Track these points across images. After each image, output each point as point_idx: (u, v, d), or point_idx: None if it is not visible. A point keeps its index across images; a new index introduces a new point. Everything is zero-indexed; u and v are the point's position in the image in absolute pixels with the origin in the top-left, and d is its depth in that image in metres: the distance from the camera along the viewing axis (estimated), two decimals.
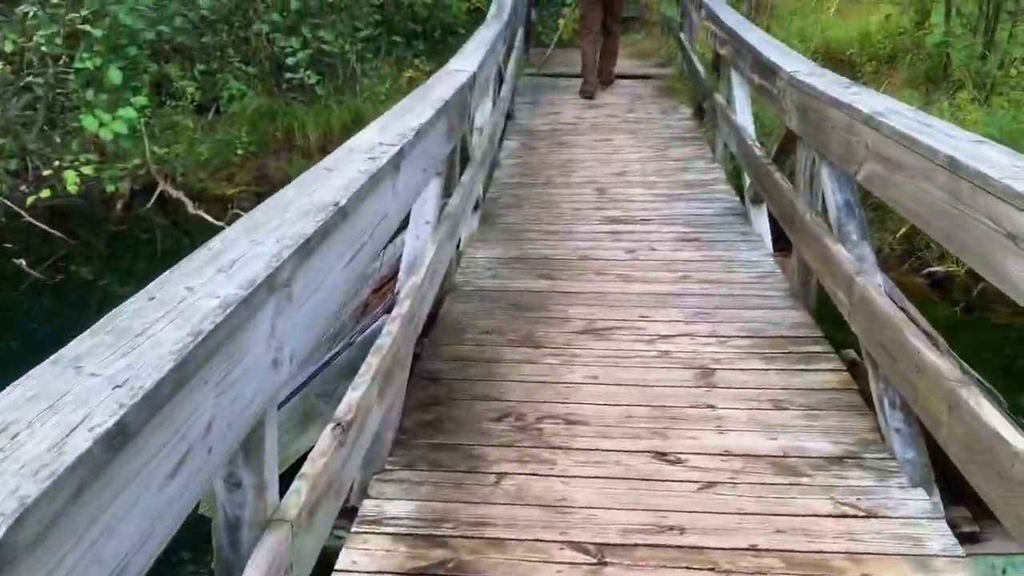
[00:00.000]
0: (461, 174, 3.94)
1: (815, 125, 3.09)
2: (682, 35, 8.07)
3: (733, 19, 5.48)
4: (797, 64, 3.50)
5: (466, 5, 10.00)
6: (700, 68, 6.79)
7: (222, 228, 4.76)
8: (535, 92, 8.13)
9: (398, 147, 2.14)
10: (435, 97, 2.89)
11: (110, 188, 6.07)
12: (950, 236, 1.99)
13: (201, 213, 5.82)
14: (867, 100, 2.65)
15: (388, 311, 2.43)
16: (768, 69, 3.80)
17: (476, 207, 4.72)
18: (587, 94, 7.78)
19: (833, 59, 8.37)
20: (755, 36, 4.53)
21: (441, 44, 9.60)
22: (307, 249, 1.41)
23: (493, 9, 6.54)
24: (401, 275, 2.86)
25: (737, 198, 4.99)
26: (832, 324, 3.20)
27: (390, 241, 2.60)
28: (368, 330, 2.77)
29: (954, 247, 1.99)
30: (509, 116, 6.98)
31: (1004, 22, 5.68)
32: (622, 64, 8.85)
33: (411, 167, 2.32)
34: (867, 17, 8.24)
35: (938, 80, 5.90)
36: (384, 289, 3.27)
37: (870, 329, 2.48)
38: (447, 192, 3.53)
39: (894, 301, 2.78)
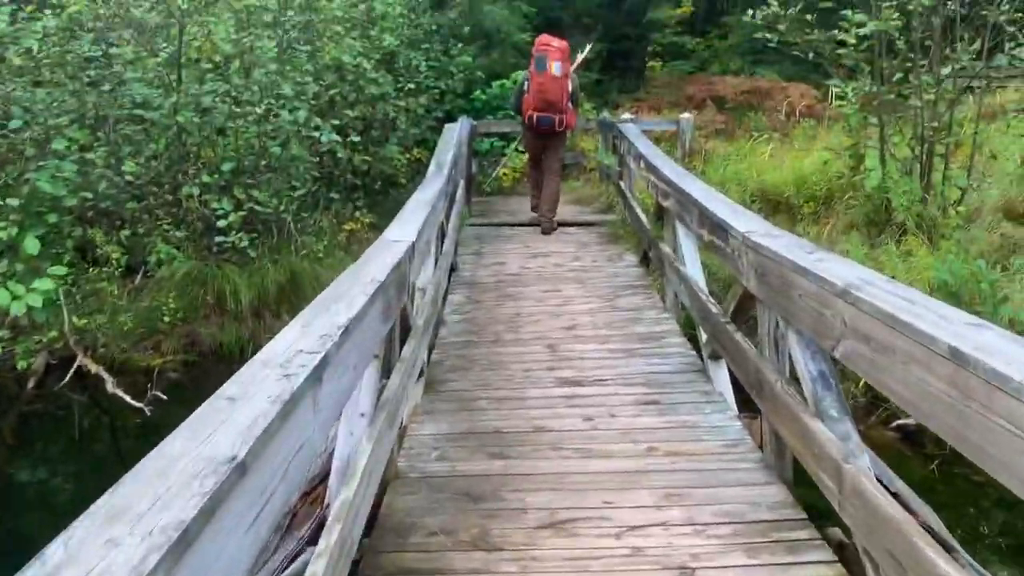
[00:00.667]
0: (403, 345, 3.66)
1: (778, 290, 2.90)
2: (621, 183, 8.14)
3: (672, 171, 5.46)
4: (751, 223, 3.36)
5: (407, 156, 10.07)
6: (643, 217, 6.76)
7: (141, 410, 4.26)
8: (479, 242, 8.02)
9: (321, 354, 1.84)
10: (369, 279, 2.62)
11: (22, 364, 5.59)
12: (961, 437, 1.73)
13: (119, 392, 5.35)
14: (835, 269, 2.47)
15: (313, 540, 2.04)
16: (719, 227, 3.66)
17: (420, 374, 4.40)
18: (543, 227, 8.24)
19: (770, 201, 8.53)
20: (699, 190, 4.45)
21: (382, 195, 9.57)
22: (185, 542, 1.06)
23: (433, 166, 6.47)
24: (332, 482, 2.49)
25: (693, 352, 4.78)
26: (808, 487, 2.90)
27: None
28: (287, 572, 2.35)
29: (966, 449, 1.73)
30: (453, 269, 6.81)
31: (937, 166, 5.81)
32: (565, 211, 8.89)
33: (338, 371, 2.01)
34: (800, 161, 8.44)
35: (880, 223, 5.95)
36: (315, 494, 2.86)
37: (871, 530, 2.18)
38: (386, 371, 3.22)
39: (884, 485, 2.52)
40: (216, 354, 6.28)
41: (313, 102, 7.31)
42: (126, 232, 6.37)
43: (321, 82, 7.39)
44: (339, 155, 7.71)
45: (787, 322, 2.89)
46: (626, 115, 10.41)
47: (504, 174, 10.80)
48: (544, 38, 7.54)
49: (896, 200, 5.70)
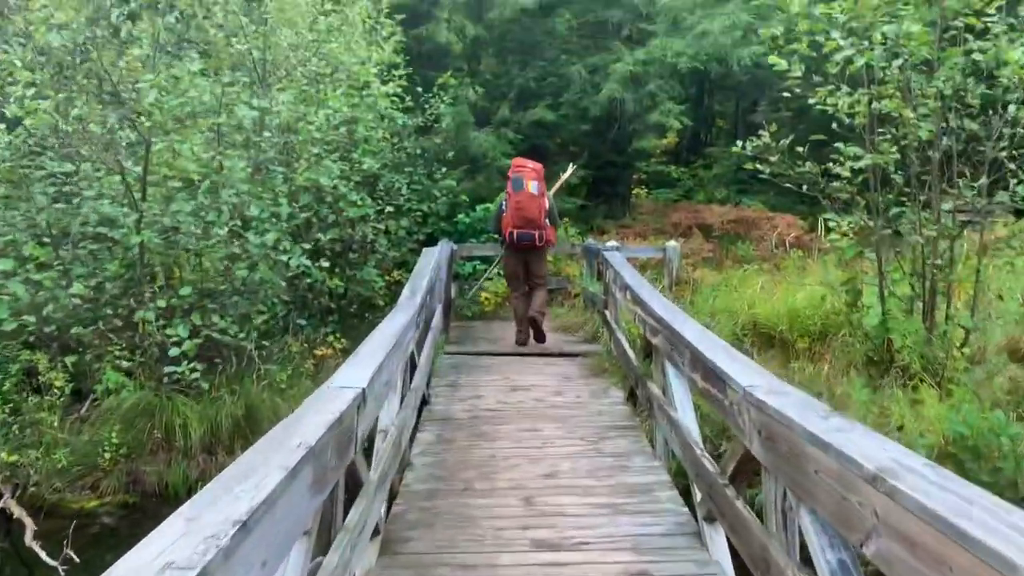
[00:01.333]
0: (351, 506, 3.16)
1: (788, 460, 2.45)
2: (607, 312, 7.78)
3: (662, 306, 5.09)
4: (753, 376, 2.94)
5: (387, 278, 9.73)
6: (630, 352, 6.35)
7: (54, 569, 3.55)
8: (455, 372, 7.56)
9: (195, 572, 1.36)
10: (296, 442, 2.16)
11: None
12: None
13: (35, 547, 4.72)
14: (862, 445, 2.03)
15: None
16: (715, 375, 3.25)
17: (376, 532, 3.86)
18: (521, 342, 8.37)
19: (763, 335, 8.18)
20: (693, 331, 4.05)
21: (358, 319, 9.16)
22: None
23: (407, 292, 6.11)
24: None
25: (686, 509, 4.26)
26: None
27: None
28: None
29: None
30: (425, 402, 6.33)
31: (939, 304, 5.49)
32: (548, 339, 8.51)
33: None
34: (792, 294, 8.16)
35: (882, 364, 5.57)
36: None
37: None
38: (324, 547, 2.70)
39: None
40: (160, 495, 5.68)
41: (287, 223, 7.01)
42: (72, 358, 5.89)
43: (294, 204, 7.11)
44: (312, 278, 7.35)
45: (799, 498, 2.43)
46: (612, 242, 10.20)
47: (486, 299, 10.47)
48: (519, 160, 7.97)
49: (899, 340, 5.34)
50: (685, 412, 4.39)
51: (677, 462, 4.69)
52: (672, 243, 10.90)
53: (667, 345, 4.53)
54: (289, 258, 6.34)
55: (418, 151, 11.35)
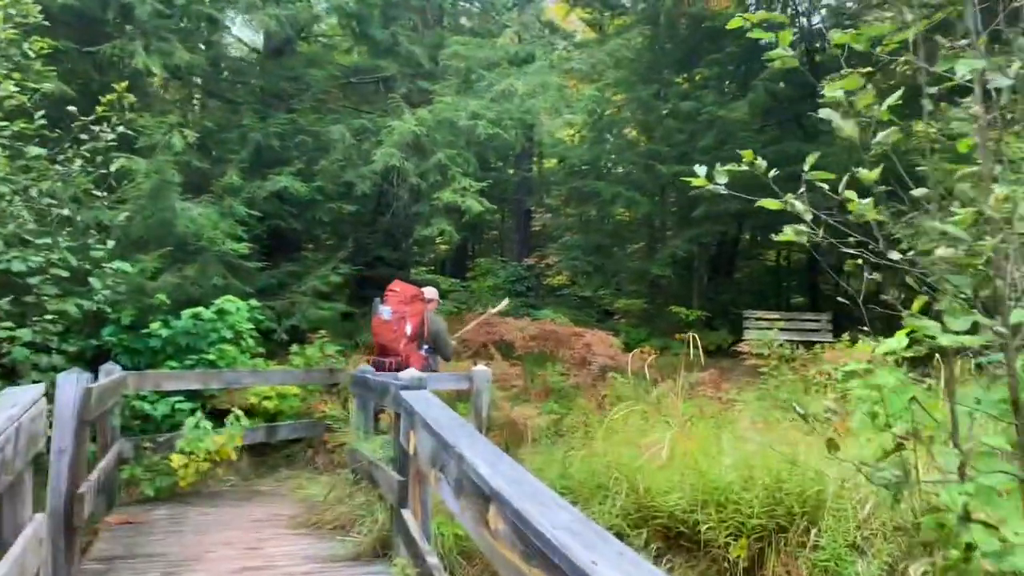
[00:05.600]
0: None
1: None
2: (406, 515, 3.99)
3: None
4: None
5: None
6: None
7: None
8: None
9: None
10: None
11: None
12: None
13: None
14: None
15: None
16: None
17: None
18: None
19: (664, 531, 4.84)
20: None
21: None
22: None
23: None
24: None
25: None
26: None
27: None
28: None
29: None
30: None
31: None
32: (275, 552, 4.49)
33: None
34: (714, 457, 4.92)
35: None
36: None
37: None
38: None
39: None
40: None
41: None
42: None
43: None
44: None
45: None
46: (409, 370, 6.26)
47: (184, 465, 6.17)
48: (392, 284, 7.43)
49: None
50: None
51: None
52: (481, 367, 7.39)
53: None
54: None
55: (79, 219, 6.99)
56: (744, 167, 2.86)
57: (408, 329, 7.14)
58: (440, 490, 3.13)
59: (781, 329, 12.19)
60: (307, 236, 11.22)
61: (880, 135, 2.87)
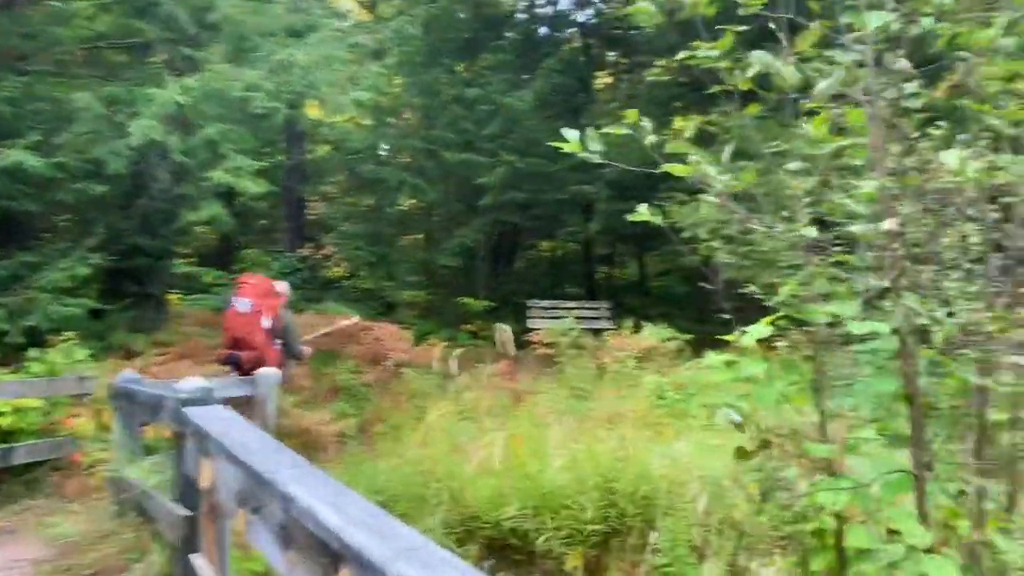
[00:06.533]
0: None
1: None
2: (197, 562, 3.23)
3: None
4: None
5: None
6: None
7: None
8: None
9: None
10: None
11: None
12: None
13: None
14: None
15: None
16: None
17: None
18: None
19: (488, 542, 4.45)
20: None
21: None
22: None
23: None
24: None
25: None
26: None
27: None
28: None
29: None
30: None
31: None
32: None
33: None
34: (541, 456, 4.59)
35: None
36: None
37: None
38: None
39: None
40: None
41: None
42: None
43: None
44: None
45: None
46: (193, 379, 5.07)
47: None
48: (244, 276, 7.36)
49: None
50: None
51: None
52: (267, 369, 6.57)
53: None
54: None
55: None
56: (626, 131, 2.49)
57: (266, 323, 6.94)
58: (254, 537, 2.47)
59: (563, 318, 12.35)
60: (46, 221, 9.55)
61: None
